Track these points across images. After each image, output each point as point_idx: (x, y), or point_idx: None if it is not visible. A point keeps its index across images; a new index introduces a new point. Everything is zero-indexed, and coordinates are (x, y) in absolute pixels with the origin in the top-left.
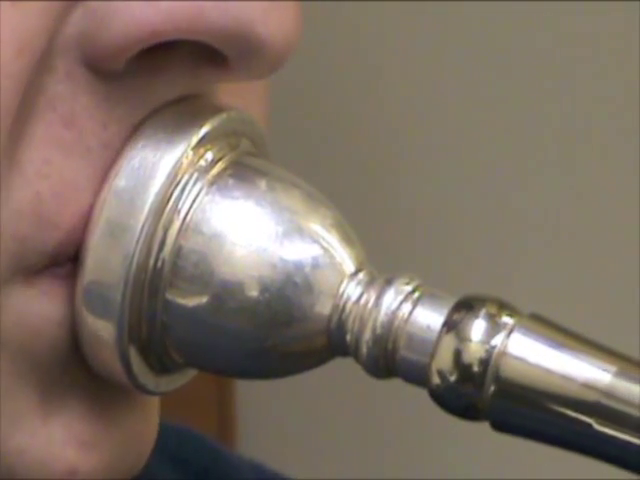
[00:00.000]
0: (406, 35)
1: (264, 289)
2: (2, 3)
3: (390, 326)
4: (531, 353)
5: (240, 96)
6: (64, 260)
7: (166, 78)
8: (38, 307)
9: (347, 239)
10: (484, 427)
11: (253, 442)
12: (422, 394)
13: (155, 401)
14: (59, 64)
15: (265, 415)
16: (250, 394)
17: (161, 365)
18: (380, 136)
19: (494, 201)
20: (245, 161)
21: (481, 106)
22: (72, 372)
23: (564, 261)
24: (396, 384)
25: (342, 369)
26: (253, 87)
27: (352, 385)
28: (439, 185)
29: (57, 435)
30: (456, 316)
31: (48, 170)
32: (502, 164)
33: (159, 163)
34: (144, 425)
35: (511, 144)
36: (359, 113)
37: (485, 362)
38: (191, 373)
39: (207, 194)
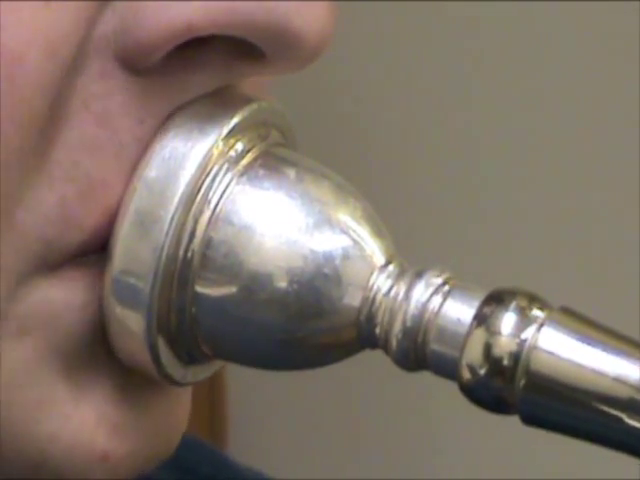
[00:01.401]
0: (408, 22)
1: (294, 280)
2: (34, 4)
3: (420, 319)
4: (562, 347)
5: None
6: (86, 255)
7: (201, 73)
8: (60, 294)
9: (377, 231)
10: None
11: (244, 442)
12: (416, 391)
13: (186, 390)
14: (92, 64)
15: (256, 415)
16: (242, 394)
17: (189, 356)
18: (396, 129)
19: (513, 195)
20: (275, 152)
21: (500, 101)
22: (99, 358)
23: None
24: (388, 386)
25: (334, 370)
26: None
27: (344, 386)
28: (456, 179)
29: (89, 420)
30: (486, 309)
31: (75, 173)
32: (524, 156)
33: (190, 153)
34: (173, 413)
35: (529, 137)
36: (371, 108)
37: (516, 356)
38: (218, 364)
39: (237, 185)
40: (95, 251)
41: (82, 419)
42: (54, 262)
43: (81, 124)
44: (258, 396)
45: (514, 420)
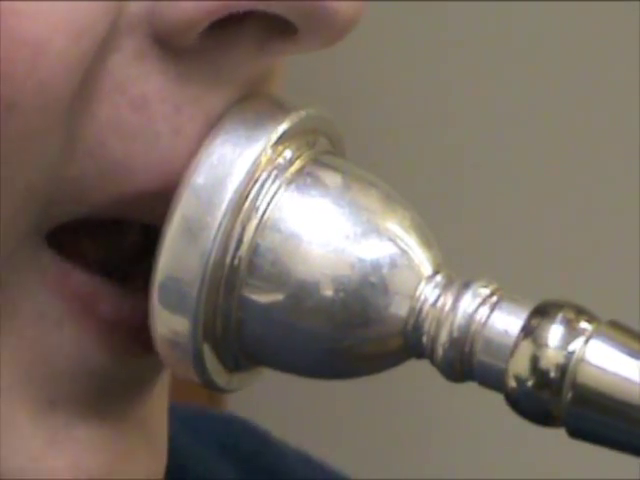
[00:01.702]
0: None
1: (341, 289)
2: None
3: (467, 330)
4: (609, 360)
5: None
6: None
7: (235, 52)
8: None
9: (425, 240)
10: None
11: None
12: (410, 389)
13: (163, 426)
14: (126, 44)
15: (256, 415)
16: (240, 405)
17: (234, 363)
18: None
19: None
20: (323, 159)
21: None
22: (79, 388)
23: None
24: (390, 387)
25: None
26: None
27: (341, 391)
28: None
29: (62, 468)
30: (534, 321)
31: (99, 152)
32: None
33: (238, 160)
34: (153, 453)
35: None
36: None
37: (563, 368)
38: (262, 372)
39: (285, 192)
40: (92, 226)
41: (54, 465)
42: (50, 222)
43: (114, 107)
44: (256, 405)
45: (513, 420)
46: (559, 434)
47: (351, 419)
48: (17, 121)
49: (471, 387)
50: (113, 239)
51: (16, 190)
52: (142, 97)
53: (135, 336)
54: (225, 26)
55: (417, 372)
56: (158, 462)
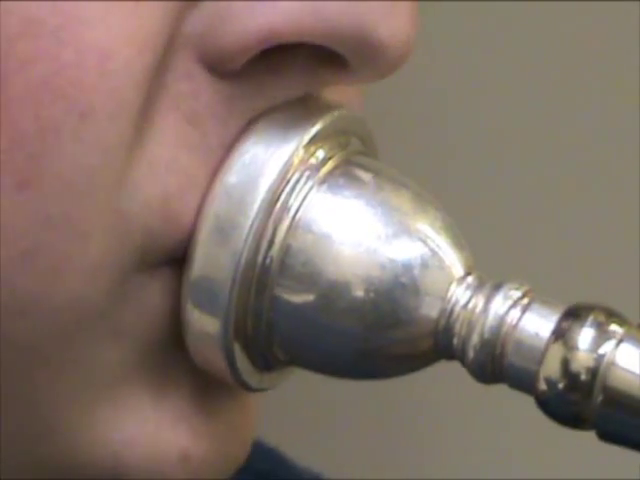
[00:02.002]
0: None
1: (372, 290)
2: (125, 3)
3: (498, 332)
4: None
5: (340, 89)
6: (182, 254)
7: (283, 79)
8: (156, 299)
9: (456, 242)
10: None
11: None
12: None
13: (254, 396)
14: (179, 63)
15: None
16: None
17: (264, 362)
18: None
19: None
20: (355, 160)
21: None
22: (179, 363)
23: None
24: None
25: (326, 384)
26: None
27: (341, 399)
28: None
29: (167, 420)
30: (564, 324)
31: (176, 167)
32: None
33: (270, 160)
34: (246, 417)
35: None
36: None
37: (593, 371)
38: (292, 371)
39: (317, 193)
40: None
41: (159, 422)
42: (154, 259)
43: (175, 122)
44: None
45: (513, 421)
46: (558, 435)
47: (352, 426)
48: (92, 129)
49: (482, 392)
50: None
51: (105, 213)
52: (194, 113)
53: None
54: (276, 52)
55: (417, 375)
56: (249, 422)
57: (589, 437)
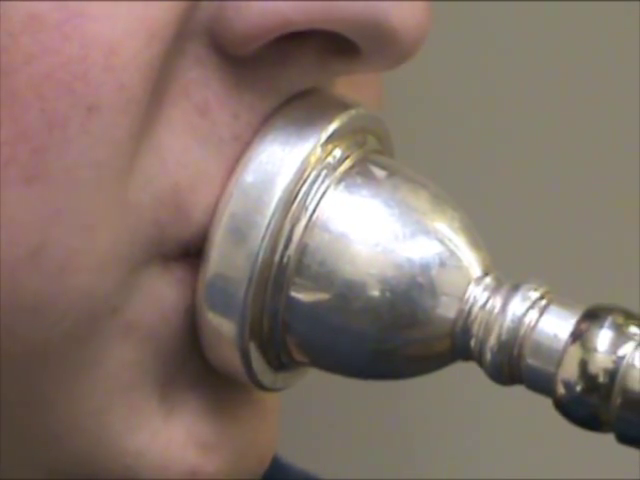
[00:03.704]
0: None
1: (389, 290)
2: None
3: (516, 333)
4: None
5: (357, 86)
6: (195, 250)
7: (295, 67)
8: (173, 294)
9: (474, 242)
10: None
11: None
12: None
13: (276, 403)
14: (189, 48)
15: None
16: None
17: (279, 362)
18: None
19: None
20: (372, 159)
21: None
22: (191, 367)
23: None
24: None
25: (324, 385)
26: (369, 78)
27: (334, 402)
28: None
29: (178, 436)
30: (583, 326)
31: (187, 159)
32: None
33: (287, 159)
34: (264, 429)
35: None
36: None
37: (612, 373)
38: (308, 371)
39: (334, 192)
40: (199, 247)
41: (171, 435)
42: (168, 252)
43: (185, 112)
44: None
45: (512, 420)
46: (560, 436)
47: (350, 427)
48: (98, 123)
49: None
50: None
51: (117, 204)
52: (205, 102)
53: None
54: (287, 40)
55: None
56: (268, 432)
57: (591, 438)
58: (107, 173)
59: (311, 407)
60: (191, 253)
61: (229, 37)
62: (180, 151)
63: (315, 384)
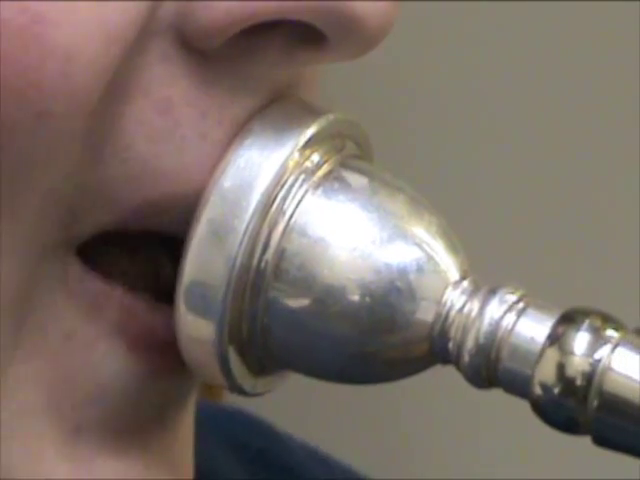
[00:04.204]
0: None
1: (367, 294)
2: None
3: (493, 336)
4: (636, 368)
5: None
6: (117, 235)
7: (263, 60)
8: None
9: (451, 246)
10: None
11: None
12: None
13: (187, 433)
14: (152, 46)
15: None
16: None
17: (259, 366)
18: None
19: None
20: (350, 164)
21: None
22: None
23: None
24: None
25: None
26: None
27: (334, 402)
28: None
29: (81, 468)
30: (560, 329)
31: (126, 155)
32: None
33: (265, 163)
34: (178, 460)
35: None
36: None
37: (589, 376)
38: (288, 375)
39: (312, 196)
40: (119, 235)
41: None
42: (80, 233)
43: (139, 109)
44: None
45: (512, 421)
46: (559, 437)
47: (349, 409)
48: (46, 128)
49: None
50: (143, 253)
51: (39, 196)
52: (167, 100)
53: (166, 351)
54: (254, 33)
55: (411, 379)
56: (181, 464)
57: (584, 441)
58: (44, 177)
59: (311, 407)
60: (113, 233)
61: (195, 30)
62: (121, 147)
63: (315, 384)
